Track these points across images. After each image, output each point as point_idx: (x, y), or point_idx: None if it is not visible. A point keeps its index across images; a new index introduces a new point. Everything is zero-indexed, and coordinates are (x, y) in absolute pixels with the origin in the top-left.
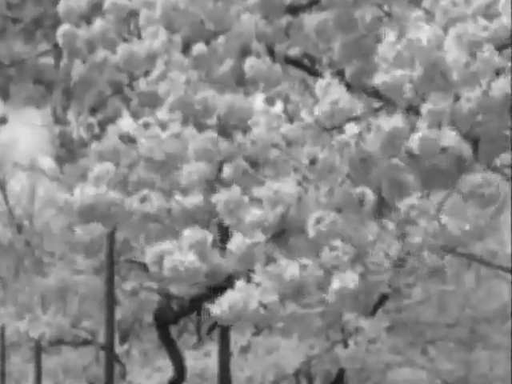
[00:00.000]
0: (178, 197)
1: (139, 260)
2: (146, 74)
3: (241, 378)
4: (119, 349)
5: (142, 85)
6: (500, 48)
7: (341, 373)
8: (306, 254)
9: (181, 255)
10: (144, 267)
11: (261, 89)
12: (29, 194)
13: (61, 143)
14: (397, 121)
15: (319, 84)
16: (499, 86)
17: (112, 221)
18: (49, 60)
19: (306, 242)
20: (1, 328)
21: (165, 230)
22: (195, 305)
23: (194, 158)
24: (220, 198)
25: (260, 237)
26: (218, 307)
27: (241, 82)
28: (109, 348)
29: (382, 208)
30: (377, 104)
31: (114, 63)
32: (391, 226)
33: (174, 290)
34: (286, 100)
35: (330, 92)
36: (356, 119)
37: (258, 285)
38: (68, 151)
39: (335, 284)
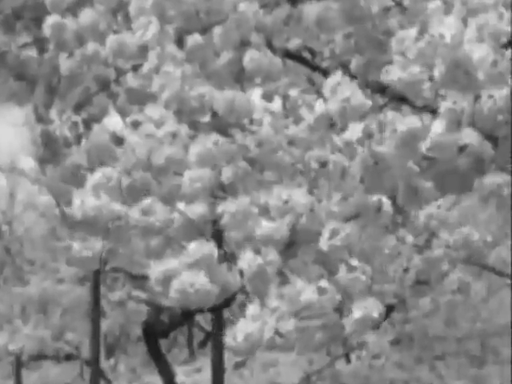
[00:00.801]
0: (181, 206)
1: (127, 268)
2: (135, 68)
3: None
4: (105, 364)
5: (130, 80)
6: None
7: None
8: (317, 271)
9: (190, 276)
10: (132, 276)
11: (258, 84)
12: (8, 198)
13: (43, 143)
14: (414, 120)
15: (329, 81)
16: None
17: (115, 235)
18: (32, 53)
19: (318, 255)
20: None
21: (167, 243)
22: (187, 317)
23: (197, 163)
24: (226, 208)
25: (274, 254)
26: (233, 339)
27: (238, 76)
28: (94, 363)
29: (398, 218)
30: (381, 101)
31: (104, 57)
32: (409, 237)
33: (164, 300)
34: (285, 96)
35: (340, 89)
36: (363, 117)
37: (273, 310)
38: (50, 152)
39: (357, 313)
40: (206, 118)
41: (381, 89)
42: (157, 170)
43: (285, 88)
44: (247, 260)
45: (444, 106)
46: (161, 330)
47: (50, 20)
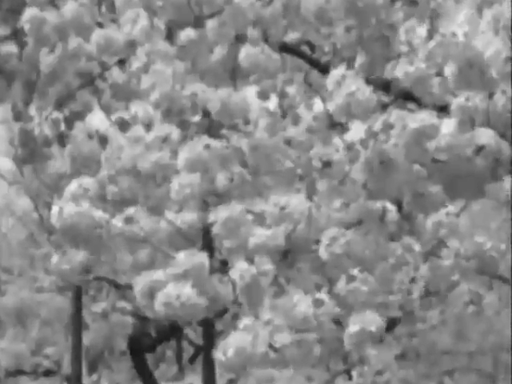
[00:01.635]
0: (170, 215)
1: (111, 277)
2: (121, 62)
3: None
4: (87, 380)
5: (116, 75)
6: None
7: None
8: (315, 280)
9: (176, 288)
10: (116, 285)
11: (253, 81)
12: None
13: (21, 142)
14: (427, 116)
15: (332, 74)
16: None
17: (96, 245)
18: (10, 48)
19: (315, 264)
20: None
21: (154, 253)
22: (175, 330)
23: (186, 168)
24: (218, 215)
25: (267, 264)
26: (223, 354)
27: (233, 73)
28: (75, 379)
29: (404, 224)
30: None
31: (88, 52)
32: (416, 246)
33: (149, 313)
34: (282, 94)
35: (345, 83)
36: (369, 115)
37: (267, 323)
38: (29, 151)
39: (353, 327)
40: (197, 118)
41: (385, 86)
42: (143, 176)
43: (281, 85)
44: (240, 270)
45: (456, 103)
46: (147, 343)
47: (28, 14)
